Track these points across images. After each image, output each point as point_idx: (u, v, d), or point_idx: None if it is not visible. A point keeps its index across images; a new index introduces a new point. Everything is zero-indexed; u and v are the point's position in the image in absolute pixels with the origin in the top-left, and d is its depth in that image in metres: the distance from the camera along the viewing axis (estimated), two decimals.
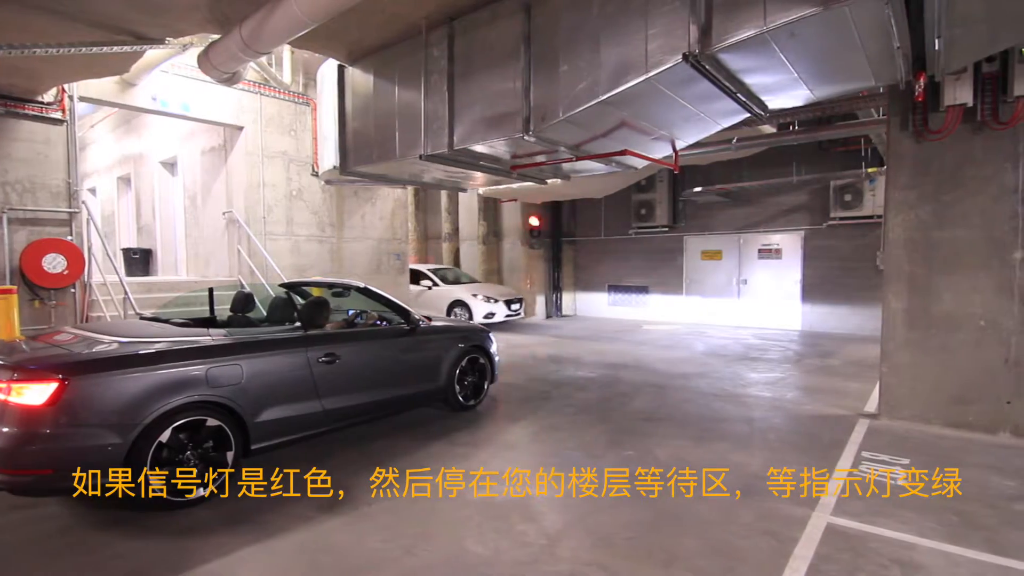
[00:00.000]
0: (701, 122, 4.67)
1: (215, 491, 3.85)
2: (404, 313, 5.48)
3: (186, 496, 3.74)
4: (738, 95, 3.93)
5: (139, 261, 11.47)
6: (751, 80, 3.86)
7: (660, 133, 4.78)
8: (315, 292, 6.56)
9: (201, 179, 9.95)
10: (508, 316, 12.80)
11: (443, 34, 4.78)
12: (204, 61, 5.26)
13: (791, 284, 12.82)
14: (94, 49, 5.21)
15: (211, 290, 5.53)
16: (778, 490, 3.99)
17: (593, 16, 3.83)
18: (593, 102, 3.83)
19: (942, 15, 3.33)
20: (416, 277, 13.13)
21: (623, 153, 4.98)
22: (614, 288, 15.96)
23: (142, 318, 5.03)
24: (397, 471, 4.34)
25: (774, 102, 4.34)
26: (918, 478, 4.19)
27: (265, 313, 5.55)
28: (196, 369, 3.85)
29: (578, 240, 16.49)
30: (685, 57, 3.27)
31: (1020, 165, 4.96)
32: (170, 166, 11.22)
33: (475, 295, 12.39)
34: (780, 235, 12.94)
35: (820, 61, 3.58)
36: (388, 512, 3.72)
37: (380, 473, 4.31)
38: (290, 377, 4.39)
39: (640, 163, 5.93)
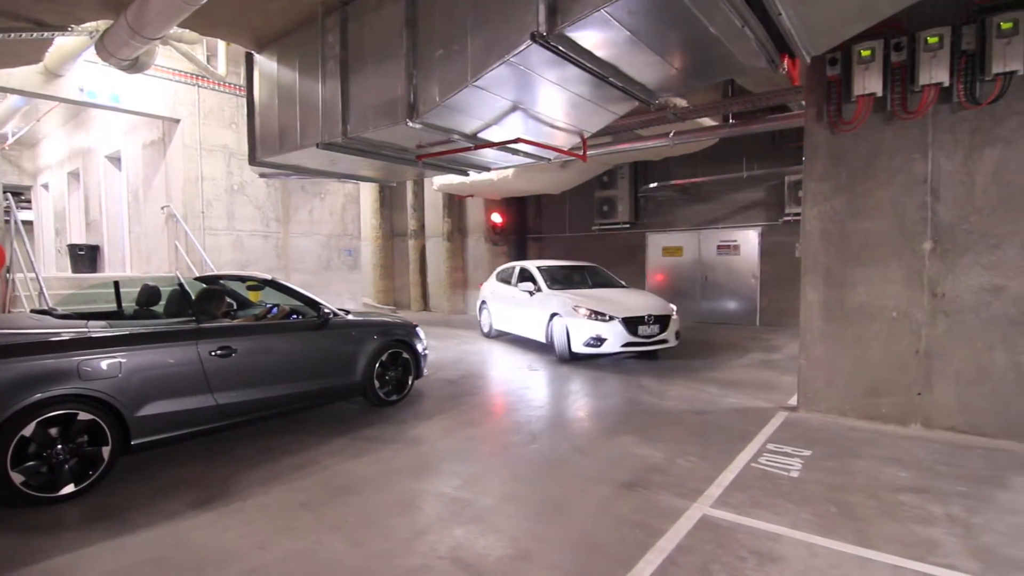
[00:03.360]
0: (591, 109, 4.60)
1: (87, 487, 3.74)
2: (315, 306, 5.38)
3: (53, 493, 3.63)
4: (610, 79, 3.86)
5: (86, 257, 11.26)
6: (618, 63, 3.79)
7: (557, 121, 4.70)
8: (250, 290, 6.47)
9: (143, 173, 9.77)
10: (635, 346, 7.81)
11: (337, 20, 4.68)
12: (101, 48, 5.13)
13: (749, 280, 12.83)
14: None
15: (116, 283, 5.40)
16: (667, 482, 3.94)
17: (464, 0, 3.74)
18: (464, 87, 3.75)
19: None
20: (512, 276, 9.98)
21: (516, 141, 4.90)
22: None
23: (32, 311, 4.90)
24: (287, 467, 4.27)
25: (659, 88, 4.28)
26: (813, 470, 4.15)
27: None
28: (65, 362, 3.73)
29: (543, 237, 16.42)
30: (533, 37, 3.20)
31: (929, 155, 4.94)
32: (115, 160, 11.01)
33: (577, 308, 7.96)
34: (738, 231, 12.94)
35: (675, 42, 3.52)
36: (261, 508, 3.62)
37: (269, 469, 4.24)
38: (178, 371, 4.27)
39: (551, 154, 5.86)
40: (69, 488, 3.70)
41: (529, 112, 4.45)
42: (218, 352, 4.48)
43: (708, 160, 11.98)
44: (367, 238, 16.78)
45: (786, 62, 3.76)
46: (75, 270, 10.93)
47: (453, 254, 15.71)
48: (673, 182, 12.20)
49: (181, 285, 4.63)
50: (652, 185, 12.57)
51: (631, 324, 7.79)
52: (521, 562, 2.94)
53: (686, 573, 2.82)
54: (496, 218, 15.26)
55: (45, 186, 14.09)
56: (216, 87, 9.01)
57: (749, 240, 12.77)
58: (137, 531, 3.31)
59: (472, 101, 4.08)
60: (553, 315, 8.46)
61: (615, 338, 7.73)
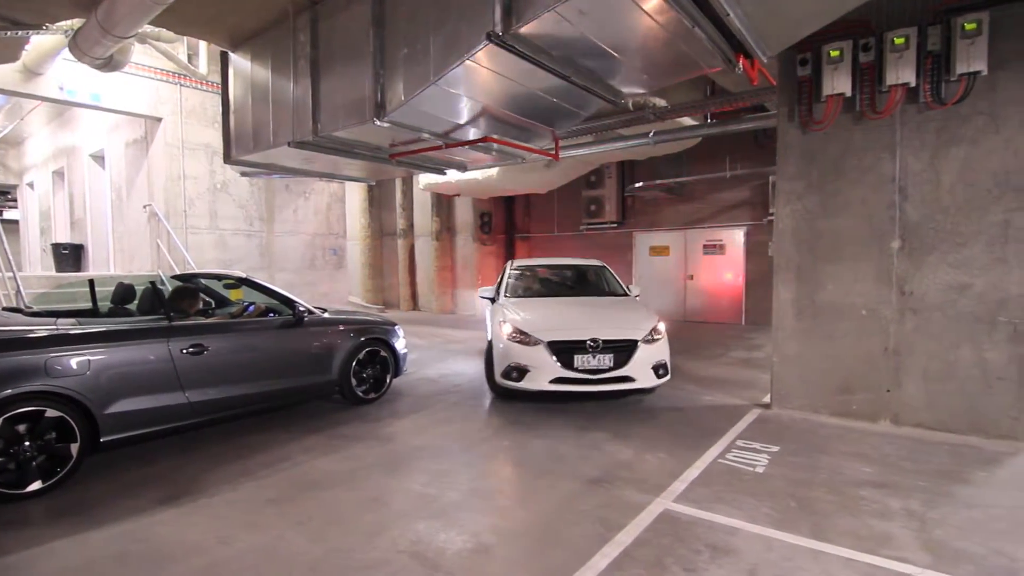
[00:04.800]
0: (557, 108, 4.63)
1: (54, 484, 3.75)
2: (290, 304, 5.40)
3: (20, 489, 3.64)
4: (572, 79, 3.89)
5: (69, 257, 11.22)
6: (578, 62, 3.82)
7: (526, 121, 4.73)
8: (230, 289, 6.47)
9: (126, 172, 9.75)
10: (571, 384, 5.48)
11: (308, 19, 4.71)
12: (74, 47, 5.13)
13: (735, 279, 12.90)
14: None
15: (91, 281, 5.41)
16: (633, 478, 3.97)
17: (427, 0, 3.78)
18: (427, 86, 3.78)
19: None
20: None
21: (485, 140, 4.93)
22: None
23: (4, 309, 4.90)
24: (258, 464, 4.29)
25: (623, 87, 4.32)
26: (779, 465, 4.20)
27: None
28: (32, 359, 3.74)
29: (532, 236, 16.46)
30: (489, 36, 3.23)
31: (897, 155, 5.00)
32: (99, 159, 10.98)
33: (503, 323, 5.88)
34: (723, 231, 13.01)
35: (629, 42, 3.55)
36: (227, 504, 3.64)
37: (240, 466, 4.26)
38: (148, 368, 4.28)
39: (524, 153, 5.89)
40: (36, 485, 3.71)
41: (497, 111, 4.48)
42: (190, 350, 4.49)
43: (693, 160, 12.05)
44: (356, 237, 16.77)
45: (742, 62, 3.80)
46: (59, 269, 10.90)
47: (442, 253, 15.72)
48: (659, 182, 12.25)
49: (153, 284, 4.64)
50: (638, 185, 12.62)
51: (564, 352, 5.38)
52: (478, 555, 2.97)
53: (640, 566, 2.86)
54: (484, 217, 15.29)
55: (31, 185, 14.04)
56: (198, 86, 9.01)
57: (734, 239, 12.84)
58: (102, 527, 3.33)
59: (437, 100, 4.10)
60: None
61: (541, 370, 5.39)
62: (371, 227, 17.19)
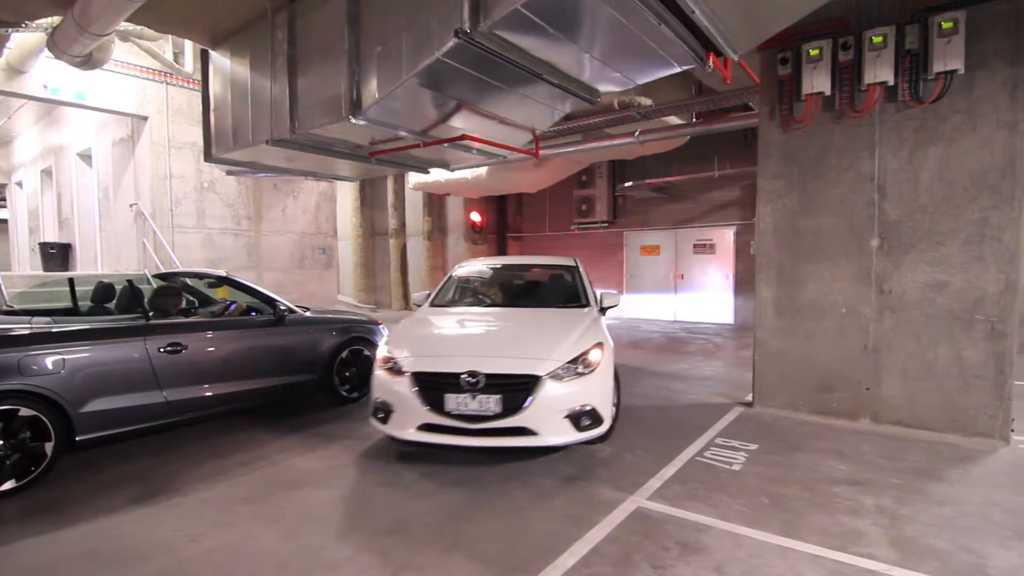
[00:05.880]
0: (533, 106, 4.63)
1: (28, 483, 3.74)
2: (271, 303, 5.39)
3: None
4: (544, 76, 3.89)
5: (57, 256, 11.18)
6: (549, 60, 3.82)
7: (504, 119, 4.74)
8: (213, 287, 6.45)
9: (113, 171, 9.72)
10: (444, 433, 3.93)
11: (286, 16, 4.70)
12: (52, 45, 5.12)
13: (724, 279, 12.93)
14: None
15: (71, 280, 5.38)
16: (610, 476, 3.97)
17: None
18: (400, 84, 3.78)
19: None
20: None
21: (462, 138, 4.93)
22: None
23: None
24: (235, 463, 4.28)
25: (600, 85, 4.32)
26: (756, 463, 4.21)
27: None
28: (5, 358, 3.72)
29: (524, 236, 16.47)
30: (457, 34, 3.23)
31: (877, 154, 5.01)
32: (87, 158, 10.94)
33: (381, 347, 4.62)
34: (713, 230, 13.04)
35: (598, 39, 3.55)
36: (201, 503, 3.63)
37: (217, 465, 4.25)
38: (124, 367, 4.27)
39: (504, 151, 5.89)
40: (10, 484, 3.69)
41: (473, 109, 4.48)
42: (167, 348, 4.48)
43: (682, 159, 12.06)
44: (348, 237, 16.75)
45: (713, 60, 3.80)
46: (46, 269, 10.86)
47: (433, 253, 15.72)
48: (648, 181, 12.28)
49: (130, 282, 4.63)
50: (628, 184, 12.64)
51: (433, 388, 3.90)
52: (444, 554, 2.97)
53: (608, 563, 2.86)
54: (475, 217, 15.28)
55: (19, 184, 13.97)
56: (184, 84, 8.98)
57: (724, 239, 12.87)
58: (74, 525, 3.32)
59: (411, 98, 4.10)
60: None
61: (406, 411, 3.97)
62: (363, 227, 17.16)
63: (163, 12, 4.78)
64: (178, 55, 8.86)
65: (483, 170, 10.38)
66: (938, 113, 4.73)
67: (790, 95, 5.31)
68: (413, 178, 12.00)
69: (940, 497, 3.63)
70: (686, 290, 13.55)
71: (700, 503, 3.54)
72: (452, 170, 7.26)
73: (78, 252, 11.37)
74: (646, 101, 7.36)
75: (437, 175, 10.15)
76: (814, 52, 5.02)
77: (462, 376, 3.83)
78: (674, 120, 8.28)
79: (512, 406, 3.79)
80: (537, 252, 15.86)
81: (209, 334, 4.83)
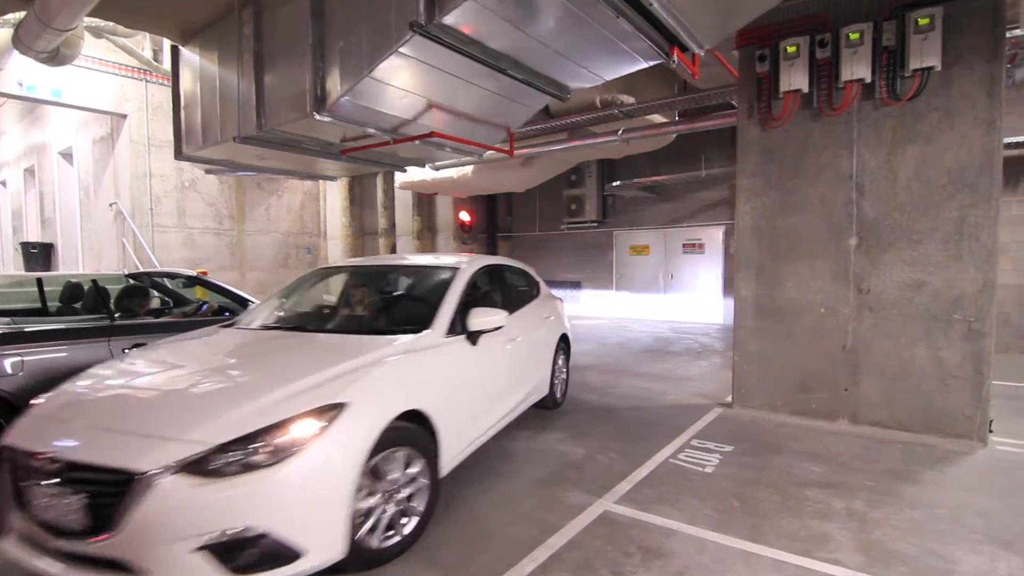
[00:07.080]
0: (501, 102, 4.56)
1: None
2: (244, 303, 5.31)
3: None
4: (509, 71, 3.82)
5: (39, 256, 11.06)
6: (511, 54, 3.75)
7: (474, 116, 4.66)
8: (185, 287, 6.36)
9: (93, 170, 9.62)
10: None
11: (252, 12, 4.62)
12: (17, 41, 5.02)
13: (713, 279, 12.88)
14: None
15: (40, 279, 5.30)
16: (580, 479, 3.91)
17: None
18: (361, 79, 3.70)
19: None
20: None
21: (430, 135, 4.86)
22: (549, 283, 15.71)
23: None
24: None
25: (568, 81, 4.25)
26: (729, 465, 4.15)
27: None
28: None
29: (514, 235, 16.39)
30: (412, 27, 3.15)
31: (855, 152, 4.96)
32: (68, 157, 10.84)
33: None
34: (702, 230, 12.98)
35: (557, 32, 3.47)
36: None
37: None
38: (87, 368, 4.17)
39: (478, 149, 5.82)
40: None
41: (442, 105, 4.41)
42: (132, 349, 4.38)
43: (671, 159, 12.00)
44: (337, 236, 16.59)
45: (677, 55, 3.73)
46: (28, 268, 10.76)
47: (423, 252, 15.63)
48: (637, 180, 12.22)
49: (95, 282, 4.54)
50: (617, 184, 12.58)
51: (19, 473, 2.46)
52: (404, 562, 2.90)
53: (568, 569, 2.79)
54: (464, 216, 15.20)
55: (3, 183, 13.84)
56: (164, 82, 8.87)
57: (714, 238, 12.82)
58: None
59: (374, 94, 4.02)
60: None
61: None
62: (352, 226, 16.98)
63: (127, 6, 4.69)
64: (157, 52, 8.76)
65: (468, 169, 10.31)
66: (916, 111, 4.67)
67: (768, 93, 5.25)
68: (400, 178, 11.92)
69: (912, 500, 3.57)
70: (675, 290, 13.49)
71: (668, 507, 3.47)
72: (436, 169, 7.18)
73: (60, 252, 11.26)
74: (628, 99, 7.30)
75: (423, 175, 10.08)
76: (791, 49, 4.97)
77: (37, 457, 2.39)
78: (658, 119, 8.22)
79: (102, 521, 2.23)
80: (528, 252, 15.79)
81: (177, 334, 4.73)
